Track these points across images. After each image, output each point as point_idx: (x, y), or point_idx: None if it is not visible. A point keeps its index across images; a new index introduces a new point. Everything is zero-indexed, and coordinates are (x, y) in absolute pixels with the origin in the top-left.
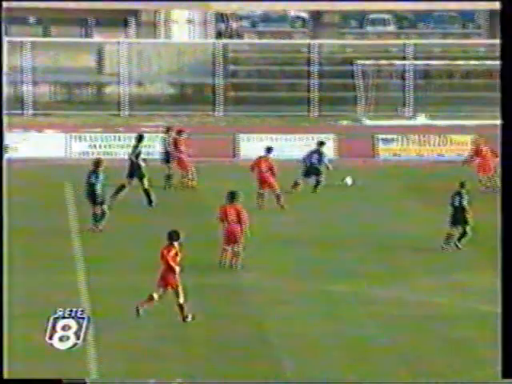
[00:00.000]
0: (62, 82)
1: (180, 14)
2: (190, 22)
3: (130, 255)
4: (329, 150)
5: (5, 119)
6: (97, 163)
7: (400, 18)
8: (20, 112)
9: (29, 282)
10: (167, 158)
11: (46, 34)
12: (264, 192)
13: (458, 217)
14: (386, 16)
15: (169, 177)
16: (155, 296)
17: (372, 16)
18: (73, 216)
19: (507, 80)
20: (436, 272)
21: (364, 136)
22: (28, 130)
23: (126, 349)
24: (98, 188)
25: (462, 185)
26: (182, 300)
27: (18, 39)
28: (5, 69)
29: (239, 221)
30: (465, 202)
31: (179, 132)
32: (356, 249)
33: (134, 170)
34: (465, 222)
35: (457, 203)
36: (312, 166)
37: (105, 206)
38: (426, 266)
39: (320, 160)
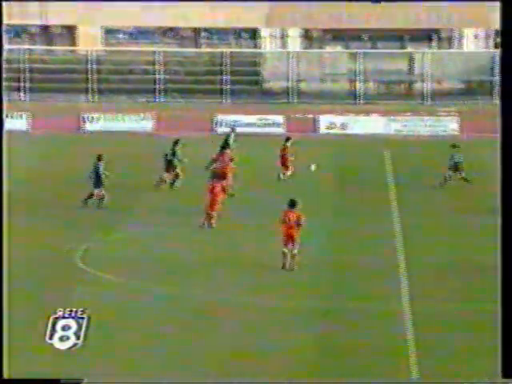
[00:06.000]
0: (384, 80)
1: (469, 31)
2: (476, 37)
3: None
4: None
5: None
6: (175, 142)
7: None
8: (354, 101)
9: None
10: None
11: (373, 47)
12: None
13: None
14: None
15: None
16: (286, 251)
17: None
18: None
19: (507, 79)
20: None
21: None
22: (358, 114)
23: None
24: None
25: None
26: (296, 251)
27: (355, 50)
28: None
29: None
30: None
31: (287, 139)
32: None
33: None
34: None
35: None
36: None
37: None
38: None
39: None
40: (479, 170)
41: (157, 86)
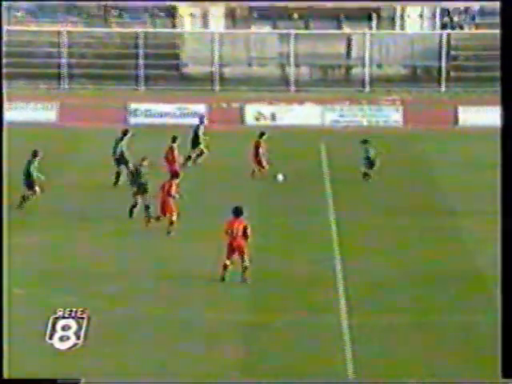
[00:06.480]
0: (319, 64)
1: (413, 9)
2: (421, 16)
3: None
4: None
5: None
6: (124, 132)
7: None
8: (285, 88)
9: None
10: None
11: (306, 27)
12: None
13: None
14: None
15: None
16: (228, 263)
17: None
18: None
19: (508, 78)
20: None
21: None
22: (290, 103)
23: None
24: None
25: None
26: (247, 263)
27: (285, 31)
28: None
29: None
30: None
31: (262, 134)
32: None
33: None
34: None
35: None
36: None
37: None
38: None
39: None
40: (423, 165)
41: (61, 71)
